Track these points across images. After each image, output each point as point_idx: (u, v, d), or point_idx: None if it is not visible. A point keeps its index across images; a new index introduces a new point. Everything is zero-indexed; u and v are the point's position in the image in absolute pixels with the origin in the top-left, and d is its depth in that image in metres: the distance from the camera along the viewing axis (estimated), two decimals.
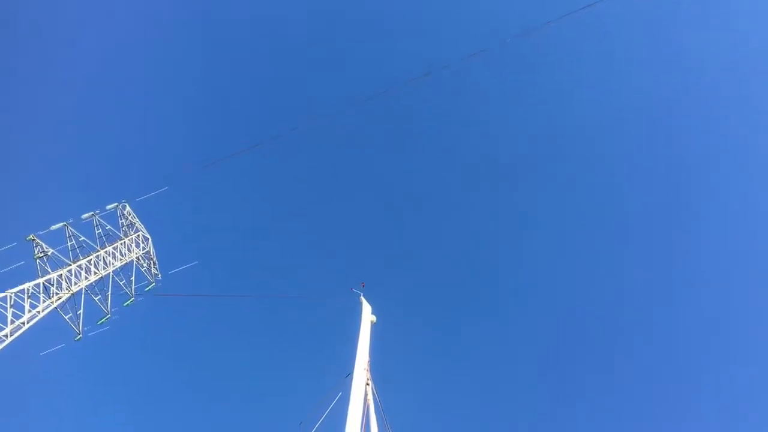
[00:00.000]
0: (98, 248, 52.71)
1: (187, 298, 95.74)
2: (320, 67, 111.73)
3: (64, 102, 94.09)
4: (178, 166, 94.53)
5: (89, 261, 49.62)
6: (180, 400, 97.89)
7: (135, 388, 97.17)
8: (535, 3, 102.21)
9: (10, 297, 38.40)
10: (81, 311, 46.24)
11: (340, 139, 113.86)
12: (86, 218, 53.94)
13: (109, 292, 50.56)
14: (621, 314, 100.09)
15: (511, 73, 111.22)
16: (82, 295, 46.59)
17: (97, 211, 55.25)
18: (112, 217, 59.42)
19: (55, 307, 42.86)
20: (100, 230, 55.56)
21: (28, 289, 40.99)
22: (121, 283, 56.07)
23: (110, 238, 56.12)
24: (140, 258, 60.63)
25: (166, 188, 61.71)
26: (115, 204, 59.79)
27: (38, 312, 40.82)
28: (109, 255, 53.36)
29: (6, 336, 36.75)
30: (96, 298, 50.29)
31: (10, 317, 37.72)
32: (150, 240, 62.47)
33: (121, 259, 55.18)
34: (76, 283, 46.35)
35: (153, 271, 62.94)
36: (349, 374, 17.21)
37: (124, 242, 57.53)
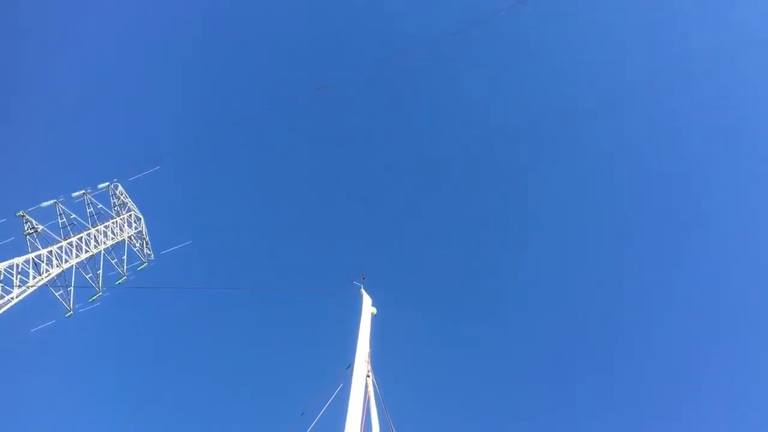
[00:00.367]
0: (89, 227, 51.61)
1: (182, 280, 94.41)
2: (318, 41, 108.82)
3: (55, 81, 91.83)
4: (171, 146, 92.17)
5: (80, 239, 48.53)
6: (175, 386, 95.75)
7: (128, 369, 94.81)
8: None
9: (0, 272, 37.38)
10: (71, 288, 45.19)
11: (340, 127, 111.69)
12: (77, 196, 52.75)
13: (100, 271, 49.51)
14: (623, 303, 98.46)
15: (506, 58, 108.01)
16: (73, 272, 45.55)
17: (88, 190, 54.06)
18: (104, 197, 58.22)
19: (45, 283, 41.76)
20: (92, 209, 54.40)
21: (17, 265, 39.94)
22: (112, 262, 54.97)
23: (102, 218, 54.99)
24: (132, 238, 59.55)
25: (158, 167, 60.65)
26: (107, 183, 58.52)
27: (28, 287, 39.73)
28: (100, 234, 52.27)
29: None
30: (87, 276, 49.17)
31: None
32: (142, 220, 61.37)
33: (112, 238, 54.09)
34: (66, 260, 45.21)
35: (145, 251, 61.87)
36: (350, 366, 17.14)
37: (116, 222, 56.41)
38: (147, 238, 60.88)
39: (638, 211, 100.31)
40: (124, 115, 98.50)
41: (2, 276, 38.18)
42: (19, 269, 40.31)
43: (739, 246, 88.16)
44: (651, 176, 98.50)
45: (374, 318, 21.27)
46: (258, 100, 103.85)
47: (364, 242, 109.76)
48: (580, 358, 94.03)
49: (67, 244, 45.92)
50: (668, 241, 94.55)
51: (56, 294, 45.44)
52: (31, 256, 41.40)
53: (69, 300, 45.71)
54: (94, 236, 50.81)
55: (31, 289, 39.92)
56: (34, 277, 41.47)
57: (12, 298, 38.06)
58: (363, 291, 23.04)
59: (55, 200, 49.18)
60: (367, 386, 16.74)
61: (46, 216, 47.60)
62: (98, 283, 49.94)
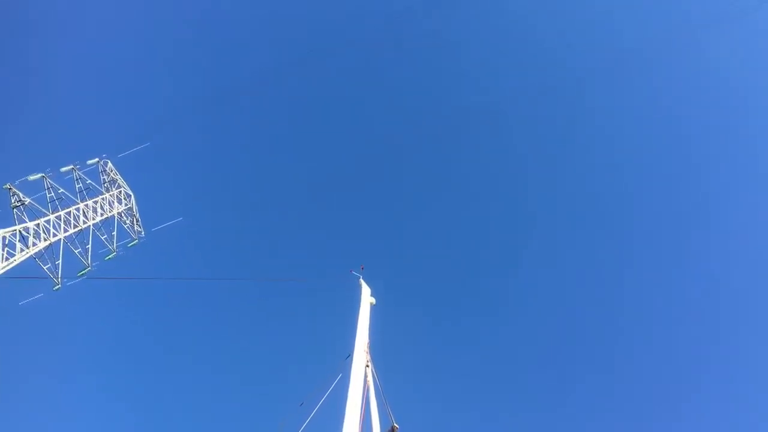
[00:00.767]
0: (78, 202, 49.46)
1: (173, 257, 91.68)
2: (317, 12, 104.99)
3: (45, 58, 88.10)
4: (160, 122, 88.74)
5: (68, 213, 46.45)
6: (167, 370, 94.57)
7: (122, 349, 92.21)
8: None
9: None
10: (60, 262, 43.29)
11: (340, 107, 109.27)
12: (65, 171, 50.60)
13: (89, 245, 47.51)
14: (623, 293, 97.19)
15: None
16: (61, 246, 43.62)
17: (77, 165, 51.80)
18: (94, 174, 56.05)
19: (32, 256, 39.79)
20: (81, 185, 52.30)
21: (4, 237, 37.92)
22: (102, 238, 52.89)
23: (91, 193, 52.94)
24: (122, 214, 57.46)
25: (147, 144, 58.59)
26: (96, 159, 56.35)
27: (15, 260, 37.77)
28: (89, 209, 50.16)
29: None
30: (76, 251, 47.17)
31: None
32: (132, 197, 59.30)
33: (102, 214, 51.97)
34: (54, 235, 43.19)
35: (136, 228, 59.84)
36: (349, 356, 16.75)
37: (106, 198, 54.26)
38: (137, 215, 58.87)
39: (639, 210, 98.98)
40: (112, 91, 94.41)
41: None
42: (6, 241, 38.26)
43: (729, 244, 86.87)
44: (652, 174, 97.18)
45: (373, 308, 20.35)
46: (252, 74, 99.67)
47: (363, 232, 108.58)
48: (579, 347, 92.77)
49: (55, 217, 43.88)
50: (668, 240, 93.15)
51: (44, 267, 43.44)
52: (18, 228, 39.41)
53: (57, 274, 43.67)
54: (83, 211, 48.75)
55: (18, 261, 37.96)
56: (22, 250, 39.41)
57: None
58: (362, 281, 22.51)
59: (42, 174, 47.02)
60: (366, 376, 16.28)
61: (33, 190, 45.51)
62: (87, 258, 47.86)
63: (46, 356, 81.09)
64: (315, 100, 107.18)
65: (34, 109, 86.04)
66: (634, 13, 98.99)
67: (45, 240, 41.51)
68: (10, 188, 42.71)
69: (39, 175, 46.69)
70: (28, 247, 40.32)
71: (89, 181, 53.09)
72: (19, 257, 37.73)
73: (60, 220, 44.45)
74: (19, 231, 39.58)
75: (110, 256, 52.20)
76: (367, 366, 16.80)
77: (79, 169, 52.69)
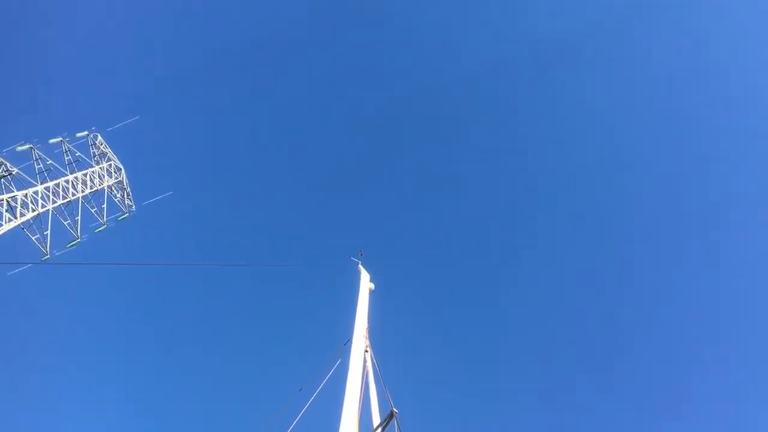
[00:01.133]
0: (67, 173, 47.33)
1: (167, 232, 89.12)
2: None
3: (36, 32, 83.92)
4: (151, 96, 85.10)
5: (57, 185, 44.40)
6: (159, 349, 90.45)
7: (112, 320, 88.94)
8: None
9: None
10: (48, 232, 41.43)
11: (336, 89, 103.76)
12: (54, 143, 48.50)
13: (79, 217, 45.69)
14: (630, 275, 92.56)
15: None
16: (49, 217, 41.73)
17: (65, 137, 49.56)
18: (83, 148, 53.81)
19: (20, 225, 37.89)
20: (70, 157, 50.12)
21: None
22: (92, 210, 50.88)
23: (81, 166, 50.82)
24: (113, 188, 55.42)
25: (137, 117, 56.32)
26: (86, 132, 54.15)
27: (2, 229, 35.87)
28: (78, 181, 48.06)
29: None
30: (65, 223, 45.22)
31: None
32: (123, 170, 57.20)
33: (91, 187, 49.89)
34: (43, 205, 41.21)
35: (126, 201, 57.83)
36: (348, 341, 16.26)
37: (95, 171, 52.12)
38: (128, 189, 56.88)
39: (641, 208, 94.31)
40: (101, 64, 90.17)
41: None
42: None
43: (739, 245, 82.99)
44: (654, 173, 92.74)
45: (372, 294, 19.54)
46: (246, 46, 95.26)
47: (362, 217, 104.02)
48: (581, 331, 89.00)
49: (44, 188, 41.89)
50: (668, 238, 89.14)
51: (32, 238, 41.52)
52: (5, 197, 37.42)
53: (46, 244, 41.81)
54: (72, 183, 46.70)
55: (4, 230, 36.06)
56: (10, 220, 37.46)
57: None
58: (361, 267, 21.94)
59: (30, 145, 44.82)
60: (365, 361, 15.68)
61: (21, 161, 43.38)
62: (77, 230, 45.95)
63: (32, 332, 77.70)
64: (313, 75, 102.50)
65: (22, 81, 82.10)
66: None
67: (33, 210, 39.54)
68: None
69: (27, 145, 44.57)
70: (16, 217, 38.42)
71: (78, 153, 51.04)
72: (7, 227, 35.86)
73: (48, 191, 42.49)
74: (7, 200, 37.66)
75: (100, 229, 50.36)
76: (366, 351, 16.21)
77: (69, 142, 50.52)
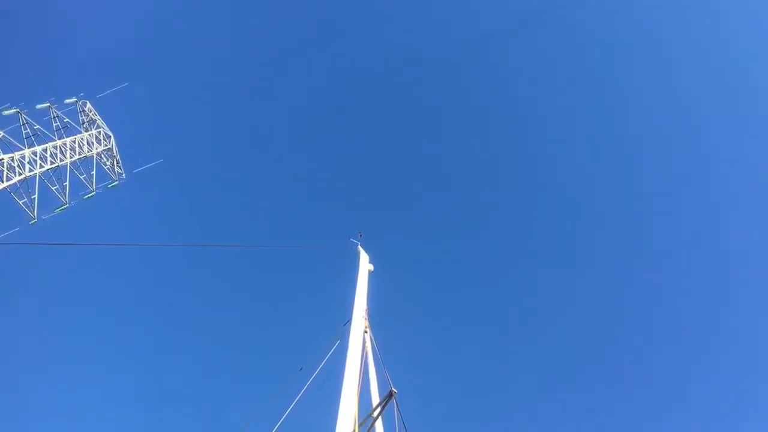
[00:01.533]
0: (55, 139, 44.88)
1: (158, 200, 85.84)
2: None
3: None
4: (139, 62, 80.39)
5: (45, 150, 42.03)
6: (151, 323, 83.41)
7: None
8: None
9: None
10: (35, 196, 39.36)
11: (333, 55, 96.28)
12: (42, 108, 45.89)
13: (67, 182, 43.57)
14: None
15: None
16: (36, 182, 39.50)
17: (53, 102, 46.91)
18: (72, 115, 51.17)
19: (7, 189, 35.78)
20: (58, 123, 47.58)
21: None
22: (81, 177, 48.58)
23: (69, 132, 48.26)
24: (102, 155, 52.95)
25: (126, 84, 53.68)
26: (74, 99, 51.41)
27: None
28: (67, 147, 45.64)
29: None
30: (54, 188, 43.06)
31: None
32: (112, 138, 54.59)
33: (80, 153, 47.48)
34: (30, 170, 38.99)
35: (116, 169, 55.40)
36: (348, 322, 15.70)
37: (84, 137, 49.57)
38: (117, 157, 54.43)
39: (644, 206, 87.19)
40: (89, 28, 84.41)
41: None
42: None
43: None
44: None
45: (371, 275, 19.22)
46: (239, 8, 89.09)
47: (361, 197, 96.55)
48: (585, 313, 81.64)
49: (31, 153, 39.54)
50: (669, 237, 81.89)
51: (20, 202, 39.41)
52: None
53: (33, 208, 39.73)
54: (60, 149, 44.32)
55: None
56: None
57: None
58: (360, 248, 20.88)
59: (17, 109, 42.25)
60: (364, 342, 15.14)
61: (7, 125, 40.99)
62: (65, 196, 43.81)
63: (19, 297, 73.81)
64: (311, 39, 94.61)
65: (5, 46, 77.07)
66: None
67: (20, 174, 37.34)
68: None
69: (14, 110, 42.15)
70: (2, 181, 36.26)
71: (67, 119, 48.50)
72: None
73: (36, 155, 40.14)
74: None
75: (89, 195, 48.23)
76: (366, 332, 15.68)
77: (57, 109, 47.95)
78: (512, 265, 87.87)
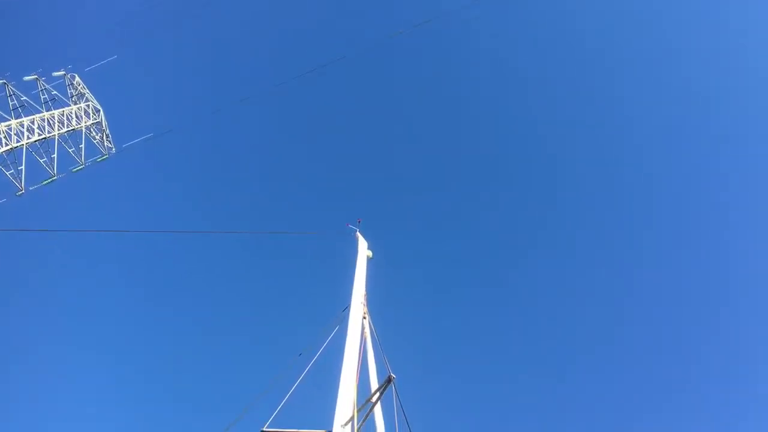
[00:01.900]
0: (43, 111, 42.64)
1: (148, 174, 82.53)
2: None
3: None
4: (128, 35, 75.87)
5: (32, 121, 39.87)
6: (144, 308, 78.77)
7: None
8: None
9: None
10: (22, 167, 37.40)
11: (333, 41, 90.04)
12: (29, 80, 43.55)
13: (55, 155, 41.52)
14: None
15: None
16: (24, 153, 37.52)
17: (40, 74, 44.47)
18: (60, 88, 48.79)
19: None
20: (46, 95, 45.22)
21: None
22: (70, 150, 46.38)
23: (57, 105, 45.93)
24: (91, 129, 50.62)
25: (115, 57, 51.22)
26: (62, 72, 48.94)
27: None
28: (55, 120, 43.43)
29: None
30: (42, 161, 41.00)
31: None
32: (101, 111, 52.20)
33: (69, 126, 45.25)
34: (17, 141, 36.93)
35: (106, 143, 53.10)
36: (347, 308, 15.14)
37: (73, 111, 47.26)
38: (107, 131, 52.13)
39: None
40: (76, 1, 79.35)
41: None
42: None
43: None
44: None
45: (370, 261, 18.38)
46: None
47: (360, 183, 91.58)
48: (585, 301, 77.31)
49: (18, 124, 37.41)
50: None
51: (7, 173, 37.47)
52: None
53: (20, 179, 37.80)
54: (48, 121, 42.13)
55: None
56: None
57: None
58: (359, 235, 19.90)
59: (3, 80, 39.96)
60: (363, 327, 14.58)
61: None
62: (53, 168, 41.80)
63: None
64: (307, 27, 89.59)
65: None
66: None
67: (6, 145, 35.33)
68: None
69: (0, 81, 39.65)
70: None
71: (54, 92, 46.16)
72: None
73: (23, 127, 38.04)
74: None
75: (77, 168, 46.16)
76: (365, 318, 15.11)
77: (45, 82, 45.59)
78: (513, 253, 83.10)
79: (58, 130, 43.05)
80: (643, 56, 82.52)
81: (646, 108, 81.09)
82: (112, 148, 53.31)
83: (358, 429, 10.61)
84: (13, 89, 41.19)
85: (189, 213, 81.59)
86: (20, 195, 37.98)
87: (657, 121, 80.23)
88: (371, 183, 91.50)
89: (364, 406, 11.16)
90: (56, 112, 44.54)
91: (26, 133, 38.66)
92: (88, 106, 50.74)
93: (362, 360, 13.00)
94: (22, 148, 37.43)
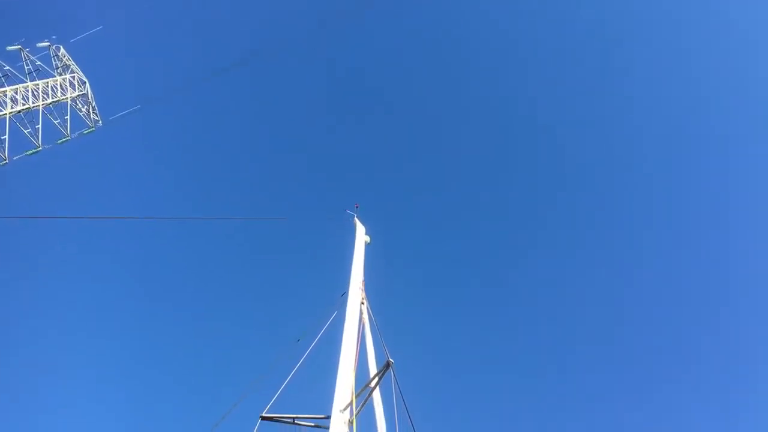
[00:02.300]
0: (26, 80, 40.12)
1: (136, 147, 78.42)
2: None
3: None
4: (113, 4, 70.50)
5: (15, 91, 37.45)
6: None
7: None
8: None
9: None
10: (6, 137, 35.28)
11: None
12: (12, 50, 40.91)
13: (39, 126, 39.18)
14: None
15: None
16: (7, 123, 35.41)
17: (24, 44, 41.80)
18: (45, 60, 46.06)
19: None
20: (30, 66, 42.60)
21: None
22: (55, 122, 43.97)
23: (42, 75, 43.35)
24: (77, 101, 47.98)
25: (101, 27, 48.40)
26: (47, 42, 46.20)
27: None
28: (39, 90, 40.96)
29: None
30: (26, 131, 38.78)
31: None
32: (87, 83, 49.52)
33: (53, 97, 42.75)
34: (0, 110, 34.69)
35: (92, 116, 50.51)
36: (345, 293, 14.46)
37: (58, 82, 44.65)
38: (93, 103, 49.57)
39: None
40: None
41: None
42: None
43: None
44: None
45: (368, 247, 17.53)
46: None
47: (358, 166, 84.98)
48: (584, 285, 71.88)
49: (1, 93, 35.03)
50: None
51: None
52: None
53: (4, 150, 35.67)
54: (32, 91, 39.66)
55: None
56: None
57: None
58: (357, 220, 18.93)
59: None
60: (361, 313, 13.89)
61: None
62: (37, 139, 39.57)
63: None
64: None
65: None
66: None
67: None
68: None
69: None
70: None
71: (39, 62, 43.58)
72: None
73: (5, 96, 35.71)
74: None
75: (63, 140, 43.86)
76: (363, 303, 14.46)
77: (29, 53, 42.94)
78: (514, 240, 76.99)
79: (43, 101, 40.66)
80: (642, 56, 77.76)
81: (649, 106, 76.14)
82: (98, 120, 50.85)
83: (357, 414, 10.01)
84: None
85: (180, 189, 77.63)
86: (4, 165, 35.87)
87: (657, 121, 75.98)
88: (368, 168, 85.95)
89: (362, 391, 10.55)
90: (40, 83, 42.04)
91: (9, 103, 36.37)
92: (73, 77, 48.06)
93: (360, 345, 12.42)
94: (5, 117, 35.20)
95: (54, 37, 46.18)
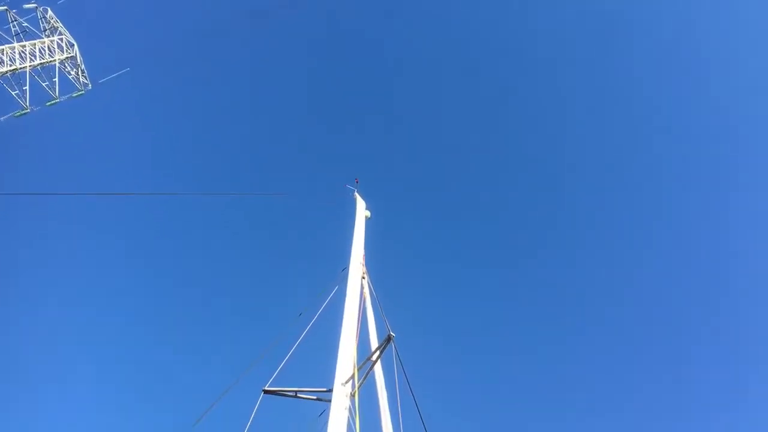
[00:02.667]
0: (13, 42, 37.64)
1: (126, 111, 74.43)
2: None
3: None
4: None
5: (2, 51, 35.13)
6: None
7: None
8: None
9: None
10: None
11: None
12: None
13: (27, 87, 37.03)
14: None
15: None
16: None
17: (10, 5, 39.18)
18: (32, 22, 43.25)
19: None
20: (17, 28, 39.85)
21: None
22: (43, 84, 41.68)
23: (29, 37, 40.72)
24: (66, 64, 45.44)
25: None
26: (34, 4, 43.35)
27: None
28: (26, 51, 38.55)
29: None
30: (13, 93, 36.63)
31: None
32: (76, 46, 46.80)
33: (41, 59, 40.34)
34: None
35: (81, 79, 48.00)
36: (345, 268, 14.03)
37: (45, 43, 42.07)
38: (82, 66, 46.99)
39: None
40: None
41: None
42: None
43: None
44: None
45: (369, 222, 16.76)
46: None
47: (358, 142, 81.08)
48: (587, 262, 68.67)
49: None
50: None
51: None
52: None
53: None
54: (19, 53, 37.27)
55: None
56: None
57: None
58: (357, 195, 18.10)
59: None
60: (362, 287, 13.47)
61: None
62: (25, 101, 37.50)
63: None
64: None
65: None
66: None
67: None
68: None
69: None
70: None
71: (26, 24, 40.85)
72: None
73: None
74: None
75: (51, 102, 41.76)
76: (363, 278, 13.99)
77: (16, 14, 40.23)
78: (516, 211, 74.06)
79: (30, 62, 38.34)
80: (642, 56, 74.00)
81: (651, 105, 72.89)
82: (87, 83, 48.42)
83: (359, 387, 9.68)
84: None
85: (173, 157, 74.08)
86: None
87: (657, 121, 72.74)
88: (370, 142, 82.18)
89: (364, 364, 10.17)
90: (27, 44, 39.59)
91: None
92: (61, 39, 45.34)
93: (362, 320, 12.06)
94: None
95: None
